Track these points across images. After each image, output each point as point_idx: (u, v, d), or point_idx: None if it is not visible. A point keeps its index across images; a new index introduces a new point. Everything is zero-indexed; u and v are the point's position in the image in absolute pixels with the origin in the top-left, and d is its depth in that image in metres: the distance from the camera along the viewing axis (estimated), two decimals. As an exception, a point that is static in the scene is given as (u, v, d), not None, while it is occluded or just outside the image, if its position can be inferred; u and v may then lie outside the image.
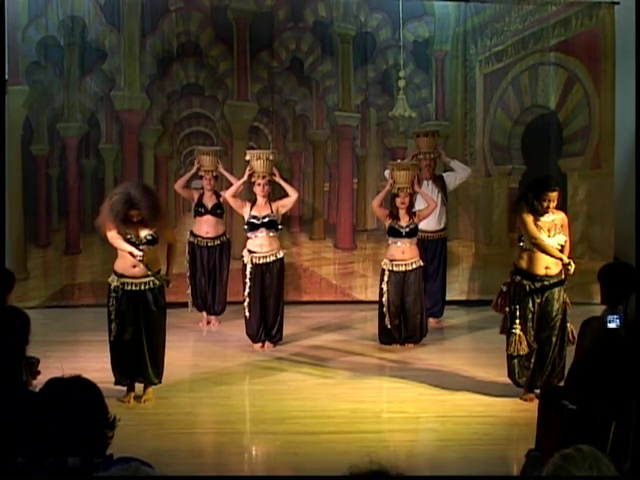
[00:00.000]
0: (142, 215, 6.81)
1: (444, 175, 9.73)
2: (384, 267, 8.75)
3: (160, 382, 7.17)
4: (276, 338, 8.75)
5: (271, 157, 8.75)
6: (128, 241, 6.88)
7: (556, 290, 6.99)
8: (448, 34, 10.74)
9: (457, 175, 9.71)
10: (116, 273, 6.99)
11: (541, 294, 6.98)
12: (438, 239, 9.71)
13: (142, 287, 6.95)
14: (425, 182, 9.50)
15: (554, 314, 7.00)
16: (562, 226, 7.04)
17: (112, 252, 7.14)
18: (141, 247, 6.88)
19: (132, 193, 6.77)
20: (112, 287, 6.98)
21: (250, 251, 8.59)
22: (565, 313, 7.03)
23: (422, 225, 9.08)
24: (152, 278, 6.96)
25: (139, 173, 10.47)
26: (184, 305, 9.59)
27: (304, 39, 10.66)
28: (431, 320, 9.63)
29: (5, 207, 9.65)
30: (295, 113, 10.78)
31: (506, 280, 7.15)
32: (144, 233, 6.91)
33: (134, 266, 6.90)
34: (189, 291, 9.60)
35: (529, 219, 6.93)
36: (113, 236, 6.90)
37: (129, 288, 6.94)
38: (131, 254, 6.84)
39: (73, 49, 10.36)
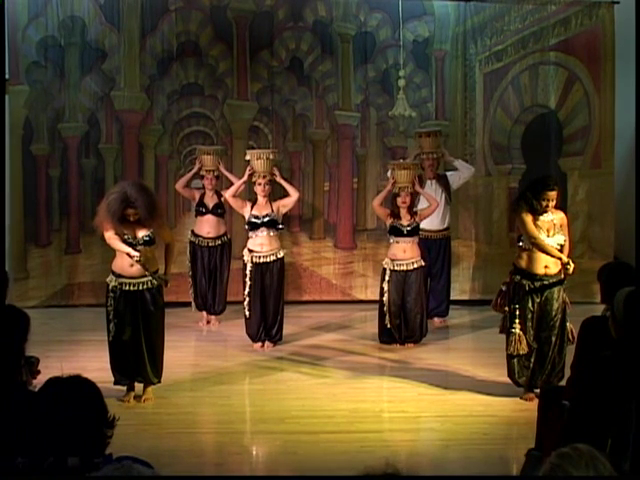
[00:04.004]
0: (139, 214, 6.80)
1: (448, 174, 9.73)
2: (385, 266, 8.75)
3: (159, 382, 7.17)
4: (276, 338, 8.75)
5: (271, 157, 8.75)
6: (125, 241, 6.87)
7: (555, 290, 6.99)
8: (448, 34, 10.75)
9: (461, 174, 9.71)
10: (114, 273, 6.99)
11: (540, 294, 6.97)
12: (442, 238, 9.71)
13: (140, 287, 6.94)
14: (429, 182, 9.51)
15: (554, 314, 7.00)
16: (561, 226, 7.04)
17: (112, 252, 7.13)
18: (138, 247, 6.87)
19: (129, 192, 6.77)
20: (110, 287, 6.97)
21: (250, 250, 8.59)
22: (565, 313, 7.03)
23: (425, 224, 9.10)
24: (150, 278, 6.95)
25: (139, 173, 10.48)
26: (184, 305, 9.60)
27: (304, 39, 10.67)
28: (436, 320, 9.65)
29: (5, 207, 9.67)
30: (295, 112, 10.79)
31: (506, 280, 7.15)
32: (141, 233, 6.91)
33: (132, 266, 6.89)
34: (192, 291, 9.60)
35: (528, 219, 6.93)
36: (110, 236, 6.90)
37: (127, 288, 6.93)
38: (128, 255, 6.84)
39: (73, 49, 10.37)
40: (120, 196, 6.77)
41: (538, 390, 6.94)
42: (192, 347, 8.97)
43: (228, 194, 8.79)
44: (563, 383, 6.11)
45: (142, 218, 6.83)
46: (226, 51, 10.61)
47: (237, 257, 9.38)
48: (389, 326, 8.70)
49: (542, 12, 10.68)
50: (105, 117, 10.55)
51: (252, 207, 8.63)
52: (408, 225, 8.67)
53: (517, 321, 6.97)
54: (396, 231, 8.68)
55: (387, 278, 8.69)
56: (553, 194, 6.94)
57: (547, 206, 6.94)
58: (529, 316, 7.00)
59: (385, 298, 8.69)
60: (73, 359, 7.94)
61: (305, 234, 10.80)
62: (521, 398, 7.08)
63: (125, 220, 6.83)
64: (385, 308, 8.70)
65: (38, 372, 5.81)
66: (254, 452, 6.49)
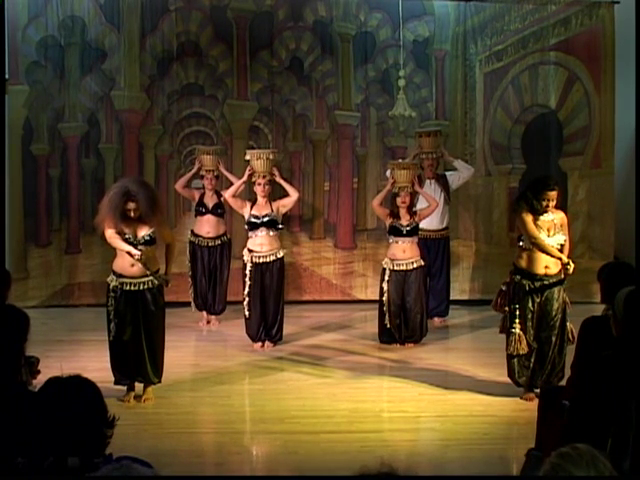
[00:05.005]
0: (139, 208, 6.80)
1: (447, 174, 9.74)
2: (385, 266, 8.75)
3: (160, 382, 7.17)
4: (276, 338, 8.75)
5: (271, 157, 8.74)
6: (126, 241, 6.87)
7: (556, 289, 6.99)
8: (448, 33, 10.75)
9: (460, 174, 9.72)
10: (115, 273, 6.99)
11: (541, 293, 6.97)
12: (440, 238, 9.72)
13: (141, 287, 6.94)
14: (428, 181, 9.52)
15: (554, 313, 7.00)
16: (562, 225, 7.04)
17: (112, 252, 7.13)
18: (139, 247, 6.87)
19: (129, 186, 6.82)
20: (111, 287, 6.97)
21: (250, 250, 8.59)
22: (565, 312, 7.03)
23: (425, 224, 9.10)
24: (151, 278, 6.95)
25: (139, 173, 10.46)
26: (184, 305, 9.60)
27: (304, 38, 10.67)
28: (436, 319, 9.66)
29: (5, 207, 9.66)
30: (295, 112, 10.79)
31: (506, 280, 7.15)
32: (142, 233, 6.91)
33: (132, 265, 6.89)
34: (191, 291, 9.60)
35: (528, 218, 6.93)
36: (111, 235, 6.89)
37: (128, 288, 6.93)
38: (129, 254, 6.84)
39: (73, 49, 10.37)
40: (121, 190, 6.80)
41: (538, 390, 6.94)
42: (192, 347, 8.97)
43: (228, 194, 8.79)
44: (563, 383, 6.11)
45: (143, 213, 6.83)
46: (226, 51, 10.61)
47: (237, 257, 9.39)
48: (389, 326, 8.71)
49: (542, 12, 10.68)
50: (105, 117, 10.55)
51: (252, 207, 8.63)
52: (407, 225, 8.68)
53: (517, 321, 6.97)
54: (395, 231, 8.68)
55: (387, 278, 8.69)
56: (553, 194, 6.94)
57: (547, 206, 6.94)
58: (529, 316, 7.00)
59: (385, 298, 8.69)
60: (73, 359, 7.94)
61: (305, 234, 10.80)
62: (521, 398, 7.08)
63: (126, 217, 6.83)
64: (385, 308, 8.71)
65: (38, 372, 5.82)
66: (254, 452, 6.48)
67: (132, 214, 6.83)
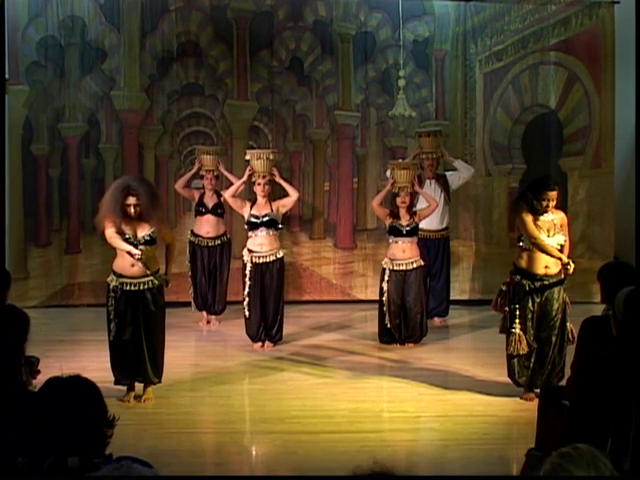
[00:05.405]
0: (140, 204, 6.80)
1: (447, 174, 9.74)
2: (385, 266, 8.75)
3: (160, 382, 7.17)
4: (276, 338, 8.75)
5: (271, 157, 8.75)
6: (126, 241, 6.87)
7: (556, 290, 6.99)
8: (448, 33, 10.76)
9: (460, 175, 9.73)
10: (115, 273, 6.98)
11: (541, 294, 6.98)
12: (440, 238, 9.73)
13: (141, 287, 6.94)
14: (428, 181, 9.53)
15: (554, 314, 7.00)
16: (561, 226, 7.04)
17: (112, 252, 7.12)
18: (139, 247, 6.87)
19: (130, 182, 6.88)
20: (111, 287, 6.97)
21: (250, 250, 8.59)
22: (565, 312, 7.03)
23: (425, 224, 9.10)
24: (151, 278, 6.95)
25: (139, 173, 10.44)
26: (184, 305, 9.60)
27: (304, 38, 10.67)
28: (436, 319, 9.67)
29: (5, 207, 9.67)
30: (295, 112, 10.79)
31: (506, 280, 7.15)
32: (142, 233, 6.91)
33: (133, 265, 6.89)
34: (191, 291, 9.60)
35: (528, 219, 6.93)
36: (111, 235, 6.88)
37: (128, 288, 6.93)
38: (129, 253, 6.84)
39: (73, 49, 10.37)
40: (122, 185, 6.84)
41: (538, 390, 6.94)
42: (192, 347, 8.97)
43: (227, 194, 8.79)
44: (563, 383, 6.11)
45: (143, 209, 6.83)
46: (226, 51, 10.61)
47: (237, 257, 9.39)
48: (389, 326, 8.71)
49: (542, 12, 10.68)
50: (105, 117, 10.55)
51: (252, 207, 8.63)
52: (407, 225, 8.68)
53: (517, 321, 6.97)
54: (395, 231, 8.69)
55: (386, 278, 8.69)
56: (553, 194, 6.94)
57: (547, 206, 6.94)
58: (529, 316, 7.00)
59: (385, 298, 8.69)
60: (73, 359, 7.94)
61: (305, 234, 10.80)
62: (521, 398, 7.08)
63: (126, 215, 6.83)
64: (385, 308, 8.71)
65: (38, 372, 5.82)
66: (254, 452, 6.48)
67: (132, 210, 6.83)
